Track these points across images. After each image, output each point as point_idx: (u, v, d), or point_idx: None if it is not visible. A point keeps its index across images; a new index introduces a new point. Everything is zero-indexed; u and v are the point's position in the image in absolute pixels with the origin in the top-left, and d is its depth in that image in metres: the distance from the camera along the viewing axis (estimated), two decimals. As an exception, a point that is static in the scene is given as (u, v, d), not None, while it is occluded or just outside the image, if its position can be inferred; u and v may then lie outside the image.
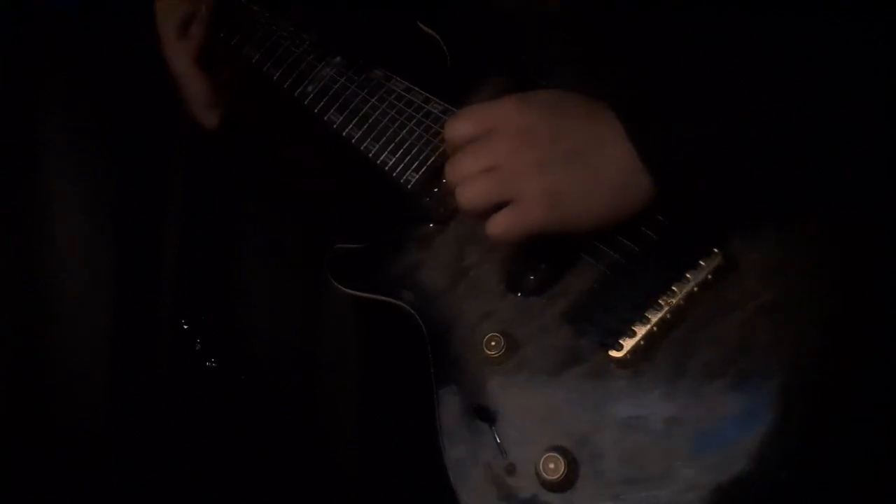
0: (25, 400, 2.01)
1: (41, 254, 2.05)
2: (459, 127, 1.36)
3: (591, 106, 1.31)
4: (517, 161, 1.28)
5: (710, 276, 1.27)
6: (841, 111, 1.23)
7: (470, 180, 1.30)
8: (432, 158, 1.52)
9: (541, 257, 1.37)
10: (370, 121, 1.60)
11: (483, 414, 1.32)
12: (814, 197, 1.26)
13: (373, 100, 1.62)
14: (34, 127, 2.04)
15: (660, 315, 1.27)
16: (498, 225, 1.29)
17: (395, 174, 1.56)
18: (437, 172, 1.50)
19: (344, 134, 1.63)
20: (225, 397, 2.10)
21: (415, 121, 1.56)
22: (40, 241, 2.04)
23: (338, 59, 1.69)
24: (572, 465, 1.24)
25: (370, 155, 1.59)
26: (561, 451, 1.25)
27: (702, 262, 1.27)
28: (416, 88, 1.60)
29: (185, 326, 2.09)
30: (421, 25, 1.65)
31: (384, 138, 1.58)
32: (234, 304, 2.17)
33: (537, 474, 1.25)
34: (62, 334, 2.04)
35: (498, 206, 1.29)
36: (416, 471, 1.80)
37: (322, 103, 1.66)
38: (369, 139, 1.59)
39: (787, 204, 1.27)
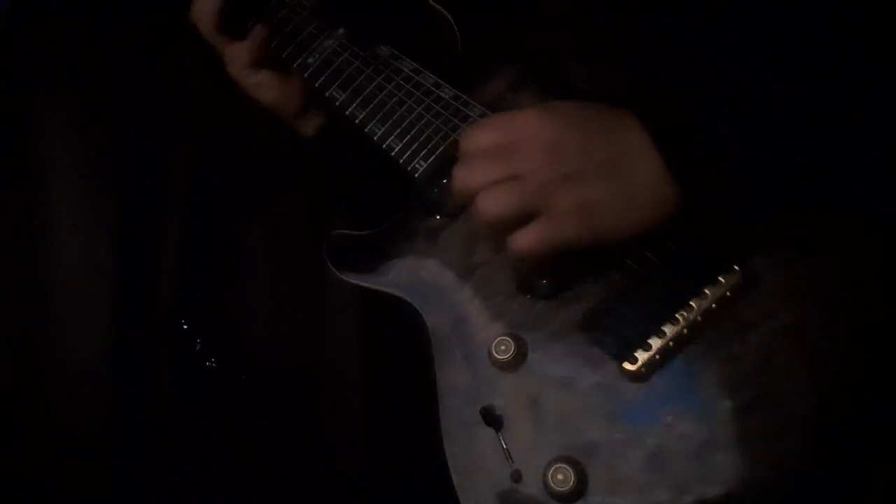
0: (25, 400, 2.01)
1: (41, 253, 2.04)
2: (479, 136, 1.30)
3: (614, 116, 1.27)
4: (547, 173, 1.23)
5: (728, 293, 1.24)
6: (864, 121, 1.22)
7: (491, 188, 1.25)
8: (442, 147, 1.46)
9: (555, 261, 1.32)
10: (376, 101, 1.53)
11: (489, 418, 1.29)
12: (842, 217, 1.24)
13: (379, 78, 1.55)
14: (34, 127, 2.04)
15: (676, 329, 1.24)
16: (526, 239, 1.25)
17: (401, 161, 1.49)
18: (446, 162, 1.43)
19: (347, 113, 1.56)
20: (225, 397, 2.09)
21: (424, 105, 1.50)
22: (40, 240, 2.04)
23: (341, 30, 1.62)
24: (581, 476, 1.22)
25: (375, 138, 1.52)
26: (570, 461, 1.23)
27: (721, 279, 1.25)
28: (425, 71, 1.54)
29: (185, 326, 2.09)
30: (431, 2, 1.58)
31: (391, 121, 1.51)
32: (234, 303, 2.17)
33: (545, 484, 1.23)
34: (62, 334, 2.04)
35: (520, 220, 1.25)
36: (417, 471, 1.80)
37: (323, 77, 1.59)
38: (374, 121, 1.52)
39: (812, 224, 1.25)
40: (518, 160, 1.25)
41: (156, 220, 2.11)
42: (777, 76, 1.26)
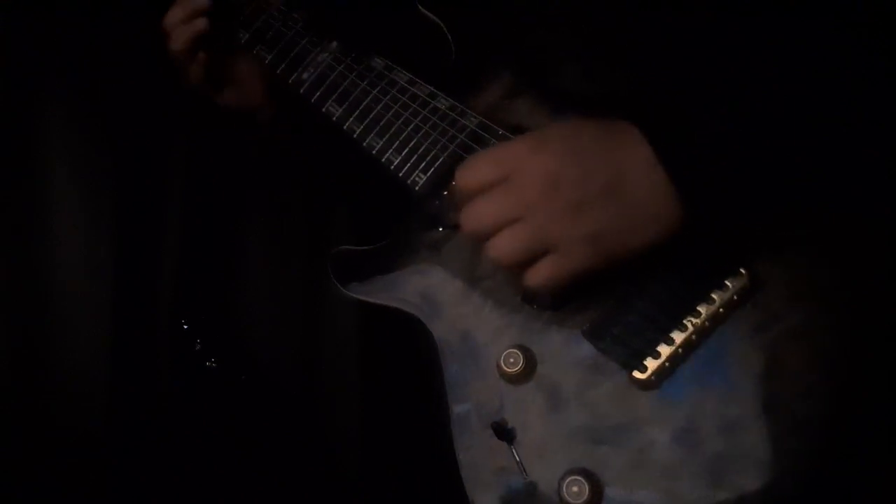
0: (25, 400, 2.01)
1: (41, 253, 2.04)
2: (474, 174, 1.28)
3: (609, 133, 1.26)
4: (549, 207, 1.21)
5: (735, 297, 1.24)
6: (864, 121, 1.21)
7: (500, 234, 1.24)
8: (441, 159, 1.44)
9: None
10: (372, 115, 1.52)
11: (501, 432, 1.29)
12: (844, 217, 1.24)
13: (374, 91, 1.53)
14: (34, 127, 2.03)
15: (685, 336, 1.24)
16: (540, 276, 1.23)
17: (401, 174, 1.48)
18: (446, 174, 1.42)
19: (345, 127, 1.54)
20: (225, 397, 2.10)
21: (420, 117, 1.48)
22: (40, 240, 2.04)
23: (334, 44, 1.61)
24: (596, 487, 1.22)
25: (374, 152, 1.51)
26: (584, 473, 1.23)
27: (728, 283, 1.24)
28: (420, 81, 1.52)
29: (185, 326, 2.09)
30: (422, 9, 1.56)
31: (388, 134, 1.50)
32: (234, 303, 2.17)
33: (560, 496, 1.23)
34: (62, 334, 2.04)
35: (533, 259, 1.23)
36: (417, 471, 1.81)
37: (319, 93, 1.58)
38: (372, 135, 1.51)
39: (816, 224, 1.24)
40: (518, 198, 1.23)
41: (156, 220, 2.11)
42: (777, 76, 1.26)
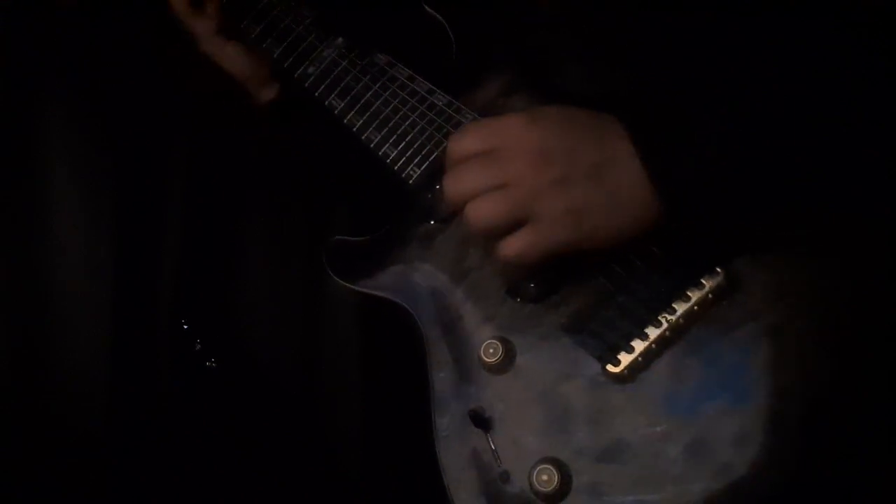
0: (25, 400, 2.02)
1: (41, 253, 2.05)
2: (465, 142, 1.33)
3: (600, 121, 1.28)
4: (534, 180, 1.25)
5: (711, 296, 1.26)
6: (856, 128, 1.22)
7: (481, 197, 1.27)
8: (435, 154, 1.49)
9: (542, 265, 1.34)
10: (372, 109, 1.57)
11: (478, 420, 1.32)
12: (823, 218, 1.24)
13: (375, 87, 1.58)
14: (34, 127, 2.04)
15: (659, 332, 1.26)
16: (514, 246, 1.27)
17: (396, 167, 1.53)
18: (439, 168, 1.45)
19: (345, 121, 1.59)
20: (225, 397, 2.10)
21: (418, 112, 1.53)
22: (40, 240, 2.04)
23: (340, 40, 1.65)
24: (565, 477, 1.24)
25: (371, 145, 1.56)
26: (555, 462, 1.25)
27: (704, 281, 1.26)
28: (420, 78, 1.57)
29: (185, 326, 2.09)
30: (427, 8, 1.60)
31: (386, 129, 1.54)
32: (234, 303, 2.17)
33: (530, 485, 1.25)
34: (62, 334, 2.04)
35: (509, 228, 1.27)
36: (417, 471, 1.80)
37: (323, 87, 1.62)
38: (371, 129, 1.56)
39: (794, 225, 1.25)
40: (504, 167, 1.27)
41: (156, 220, 2.11)
42: (777, 76, 1.27)
